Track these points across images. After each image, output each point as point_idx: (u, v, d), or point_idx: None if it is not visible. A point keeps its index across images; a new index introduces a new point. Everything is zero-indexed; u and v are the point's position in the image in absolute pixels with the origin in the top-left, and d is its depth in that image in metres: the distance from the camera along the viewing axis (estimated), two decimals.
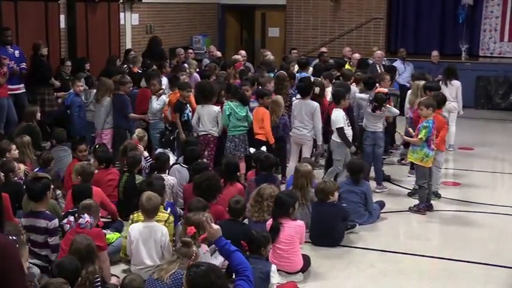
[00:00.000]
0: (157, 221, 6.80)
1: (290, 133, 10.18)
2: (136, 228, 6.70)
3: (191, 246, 5.76)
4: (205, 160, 9.40)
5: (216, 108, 10.09)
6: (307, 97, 10.03)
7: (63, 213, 7.34)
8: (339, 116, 9.48)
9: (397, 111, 10.60)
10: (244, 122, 9.99)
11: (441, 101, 9.74)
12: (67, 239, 6.42)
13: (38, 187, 6.83)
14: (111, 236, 7.38)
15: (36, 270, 6.41)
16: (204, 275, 4.32)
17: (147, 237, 6.64)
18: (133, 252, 6.70)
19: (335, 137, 9.59)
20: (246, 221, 7.46)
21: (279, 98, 10.28)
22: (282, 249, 6.89)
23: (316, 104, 9.90)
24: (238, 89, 10.44)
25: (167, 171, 8.83)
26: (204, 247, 6.34)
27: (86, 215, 6.47)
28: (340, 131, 9.46)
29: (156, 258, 6.62)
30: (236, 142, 9.92)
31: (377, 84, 10.91)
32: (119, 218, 8.08)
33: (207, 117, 10.05)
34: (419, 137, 8.95)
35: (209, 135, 10.08)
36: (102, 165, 8.80)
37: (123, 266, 7.12)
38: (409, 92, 11.39)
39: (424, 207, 9.12)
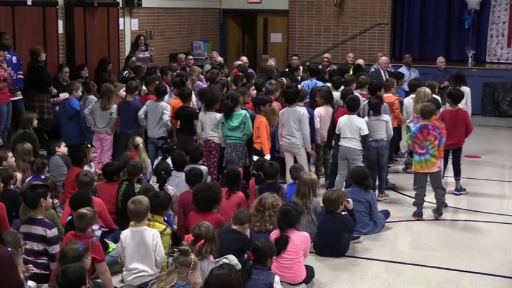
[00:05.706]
0: None
1: (280, 142, 9.94)
2: (126, 233, 6.72)
3: (189, 255, 5.67)
4: (204, 167, 9.24)
5: (218, 115, 9.96)
6: (294, 104, 9.84)
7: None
8: (365, 123, 9.51)
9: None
10: (238, 133, 9.72)
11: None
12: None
13: (32, 194, 6.90)
14: (110, 245, 7.29)
15: (32, 284, 6.29)
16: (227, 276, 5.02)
17: (138, 241, 6.62)
18: (126, 257, 6.67)
19: (356, 145, 9.41)
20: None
21: (275, 105, 10.09)
22: (286, 259, 6.81)
23: (303, 111, 9.73)
24: (237, 96, 10.09)
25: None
26: (210, 258, 6.30)
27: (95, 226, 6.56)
28: (367, 138, 9.47)
29: (148, 262, 6.60)
30: (228, 151, 9.75)
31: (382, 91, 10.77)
32: (117, 228, 7.94)
33: (209, 124, 10.00)
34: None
35: (211, 141, 10.00)
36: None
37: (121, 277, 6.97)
38: (410, 99, 11.07)
39: (418, 213, 9.14)
